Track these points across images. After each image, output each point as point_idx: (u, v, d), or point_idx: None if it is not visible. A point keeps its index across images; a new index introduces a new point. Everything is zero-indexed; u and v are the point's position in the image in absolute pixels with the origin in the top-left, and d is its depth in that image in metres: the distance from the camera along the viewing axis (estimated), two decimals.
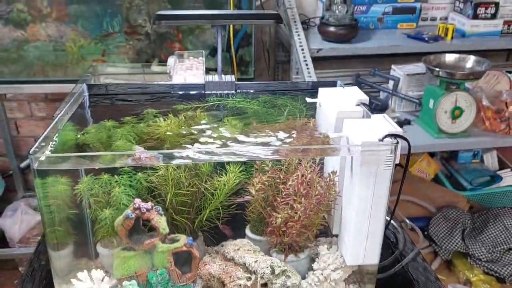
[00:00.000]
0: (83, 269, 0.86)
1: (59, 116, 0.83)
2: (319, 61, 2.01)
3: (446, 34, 2.18)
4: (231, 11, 1.64)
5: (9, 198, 2.64)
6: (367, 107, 0.90)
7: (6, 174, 2.72)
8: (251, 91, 1.03)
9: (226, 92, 1.01)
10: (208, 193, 0.92)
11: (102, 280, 0.83)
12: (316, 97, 0.99)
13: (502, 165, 2.35)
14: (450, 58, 1.89)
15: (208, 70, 1.31)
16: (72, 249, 0.89)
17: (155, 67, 1.88)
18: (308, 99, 0.98)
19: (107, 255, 0.91)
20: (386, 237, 1.14)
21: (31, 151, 0.69)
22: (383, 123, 0.82)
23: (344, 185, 0.85)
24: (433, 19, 2.38)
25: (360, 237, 0.82)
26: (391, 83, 2.10)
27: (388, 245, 1.12)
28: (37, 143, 0.71)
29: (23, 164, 2.71)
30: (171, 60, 1.35)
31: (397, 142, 0.75)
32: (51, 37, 2.08)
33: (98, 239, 0.91)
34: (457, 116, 1.83)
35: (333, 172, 0.87)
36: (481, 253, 1.91)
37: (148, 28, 1.98)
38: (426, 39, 2.12)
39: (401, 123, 1.95)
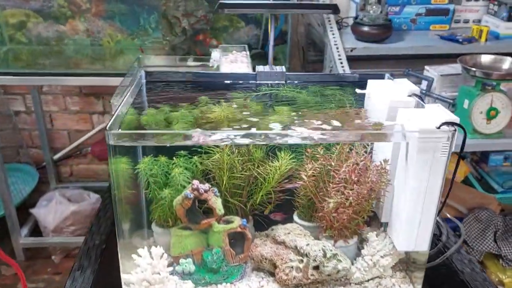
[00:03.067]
0: (137, 247, 0.90)
1: (124, 98, 0.86)
2: (352, 60, 2.03)
3: (480, 36, 2.18)
4: (289, 1, 1.67)
5: (41, 190, 2.70)
6: (419, 97, 0.92)
7: (40, 166, 2.79)
8: (301, 81, 1.06)
9: (276, 82, 1.04)
10: (260, 177, 0.94)
11: (161, 257, 0.86)
12: (365, 89, 1.01)
13: None
14: (486, 59, 1.88)
15: None
16: (128, 227, 0.92)
17: (191, 63, 1.93)
18: (358, 90, 1.00)
19: (161, 233, 0.94)
20: None
21: (107, 127, 0.73)
22: (438, 112, 0.83)
23: (397, 173, 0.87)
24: (466, 21, 2.37)
25: (412, 223, 0.83)
26: (424, 83, 2.10)
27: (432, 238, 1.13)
28: (109, 122, 0.75)
29: (56, 156, 2.78)
30: (215, 54, 1.38)
31: (455, 130, 0.77)
32: (89, 32, 2.14)
33: (154, 218, 0.95)
34: (492, 116, 1.83)
35: (385, 160, 0.89)
36: None
37: (185, 24, 2.02)
38: (460, 40, 2.12)
39: None
